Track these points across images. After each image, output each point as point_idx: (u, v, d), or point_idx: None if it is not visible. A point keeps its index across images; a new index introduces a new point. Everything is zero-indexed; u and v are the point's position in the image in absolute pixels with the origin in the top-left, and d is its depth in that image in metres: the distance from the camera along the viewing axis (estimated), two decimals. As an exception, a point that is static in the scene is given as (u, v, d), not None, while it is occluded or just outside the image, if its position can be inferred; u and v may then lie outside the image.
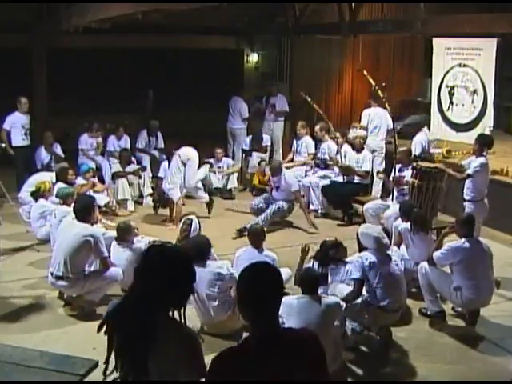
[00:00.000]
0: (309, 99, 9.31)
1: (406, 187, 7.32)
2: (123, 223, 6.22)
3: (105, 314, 2.49)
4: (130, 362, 2.34)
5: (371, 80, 8.41)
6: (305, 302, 4.42)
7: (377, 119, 9.54)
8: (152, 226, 7.70)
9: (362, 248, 5.22)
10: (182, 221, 6.36)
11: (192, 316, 5.04)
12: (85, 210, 5.65)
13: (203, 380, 2.30)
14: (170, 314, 2.39)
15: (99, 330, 2.41)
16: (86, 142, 10.07)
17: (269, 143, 10.86)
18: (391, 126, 8.58)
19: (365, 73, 8.52)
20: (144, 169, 9.64)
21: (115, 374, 2.41)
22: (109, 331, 2.38)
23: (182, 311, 2.41)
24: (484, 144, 6.76)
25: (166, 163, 9.70)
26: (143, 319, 2.31)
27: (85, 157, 9.96)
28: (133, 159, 9.91)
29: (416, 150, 7.99)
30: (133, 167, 9.54)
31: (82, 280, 5.47)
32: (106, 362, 2.39)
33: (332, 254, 5.35)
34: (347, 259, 5.47)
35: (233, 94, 11.52)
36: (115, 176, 9.21)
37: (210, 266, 5.11)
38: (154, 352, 2.29)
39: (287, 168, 9.67)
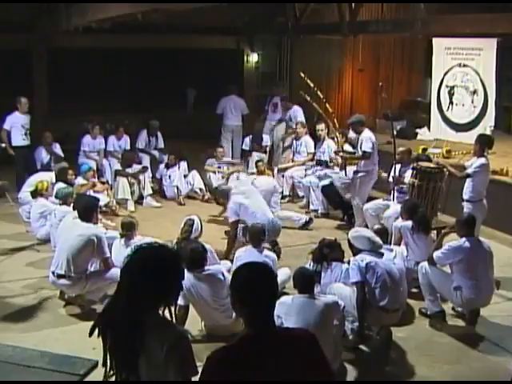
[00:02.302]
0: (308, 98, 9.32)
1: (405, 186, 7.32)
2: (126, 219, 6.25)
3: (98, 316, 2.49)
4: (121, 361, 2.35)
5: (310, 82, 8.99)
6: (303, 302, 4.42)
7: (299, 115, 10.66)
8: (152, 227, 7.69)
9: (355, 252, 5.20)
10: (184, 221, 6.36)
11: (193, 317, 5.06)
12: (89, 210, 5.68)
13: (197, 380, 2.30)
14: (160, 312, 2.40)
15: (91, 332, 2.40)
16: (89, 144, 10.09)
17: (269, 143, 10.87)
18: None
19: (302, 74, 9.06)
20: (145, 170, 9.65)
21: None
22: (102, 333, 2.39)
23: (171, 309, 2.42)
24: (484, 144, 6.75)
25: (162, 166, 9.74)
26: (132, 318, 2.32)
27: (85, 157, 9.98)
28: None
29: (365, 146, 7.68)
30: (135, 167, 9.54)
31: (83, 279, 5.49)
32: (104, 363, 2.39)
33: (326, 252, 5.34)
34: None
35: (226, 94, 11.52)
36: (117, 174, 9.23)
37: (208, 272, 5.06)
38: (143, 351, 2.30)
39: (286, 168, 9.71)
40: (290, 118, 10.64)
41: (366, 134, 7.83)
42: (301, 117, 10.52)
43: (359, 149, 7.79)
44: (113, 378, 2.41)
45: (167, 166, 9.66)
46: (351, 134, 9.04)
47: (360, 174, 7.80)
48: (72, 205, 6.58)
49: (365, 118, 8.33)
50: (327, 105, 9.04)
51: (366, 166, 7.76)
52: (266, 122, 11.42)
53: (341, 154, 8.40)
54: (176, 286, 2.44)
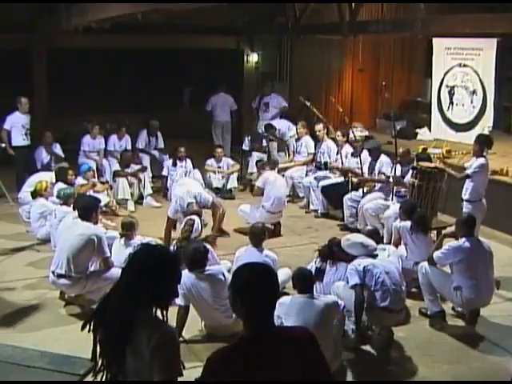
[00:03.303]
0: (308, 103, 9.33)
1: (403, 190, 7.34)
2: (126, 219, 6.24)
3: (91, 313, 2.51)
4: (109, 358, 2.36)
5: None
6: (302, 302, 4.42)
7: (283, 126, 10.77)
8: (152, 227, 7.69)
9: (350, 259, 5.19)
10: (184, 221, 6.35)
11: (193, 317, 5.06)
12: (89, 210, 5.69)
13: (194, 380, 2.30)
14: (153, 311, 2.41)
15: (83, 328, 2.42)
16: (89, 144, 10.09)
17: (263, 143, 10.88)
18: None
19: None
20: (145, 169, 9.65)
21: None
22: (93, 329, 2.41)
23: (163, 310, 2.42)
24: (483, 144, 6.76)
25: (168, 162, 9.75)
26: (123, 317, 2.33)
27: (85, 157, 9.99)
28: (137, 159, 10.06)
29: (386, 171, 7.83)
30: (133, 168, 9.54)
31: (83, 279, 5.49)
32: (93, 359, 2.41)
33: (335, 250, 5.34)
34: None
35: (215, 92, 11.95)
36: (116, 175, 9.23)
37: (208, 271, 5.07)
38: (131, 349, 2.31)
39: (286, 168, 9.69)
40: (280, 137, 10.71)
41: (385, 159, 7.97)
42: (288, 130, 10.56)
43: (376, 172, 7.93)
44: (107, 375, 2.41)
45: (174, 163, 9.64)
46: (351, 135, 9.04)
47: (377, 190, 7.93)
48: (72, 205, 6.58)
49: (381, 143, 8.45)
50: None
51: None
52: (259, 121, 11.49)
53: (362, 177, 8.19)
54: (172, 287, 2.45)
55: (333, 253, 5.35)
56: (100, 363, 2.39)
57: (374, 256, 5.14)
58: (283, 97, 12.06)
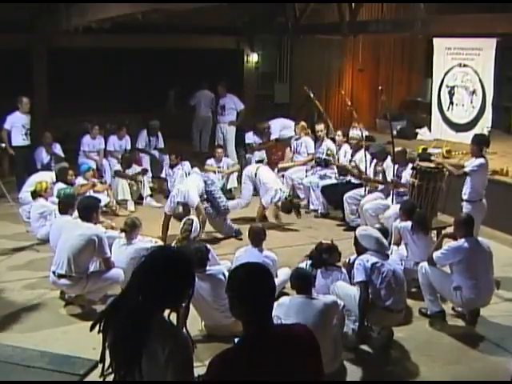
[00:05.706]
0: (312, 94, 9.34)
1: (402, 189, 7.34)
2: (130, 219, 6.20)
3: (100, 312, 2.49)
4: (121, 359, 2.34)
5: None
6: (302, 302, 4.42)
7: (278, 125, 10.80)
8: (152, 227, 7.69)
9: (360, 250, 5.20)
10: (183, 221, 6.36)
11: (193, 317, 5.05)
12: (90, 210, 5.68)
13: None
14: (166, 316, 2.40)
15: (92, 328, 2.41)
16: (89, 144, 10.09)
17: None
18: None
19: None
20: (145, 172, 9.63)
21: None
22: (103, 329, 2.39)
23: (178, 313, 2.42)
24: (481, 143, 6.76)
25: (167, 163, 9.74)
26: (137, 319, 2.31)
27: (85, 157, 9.99)
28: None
29: (388, 175, 7.79)
30: (135, 168, 9.52)
31: (84, 280, 5.48)
32: (101, 360, 2.39)
33: (325, 257, 5.33)
34: (345, 259, 5.51)
35: (198, 88, 12.22)
36: (116, 174, 9.22)
37: (209, 271, 5.08)
38: (145, 353, 2.30)
39: (286, 168, 9.69)
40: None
41: (390, 163, 7.92)
42: (280, 131, 10.59)
43: (380, 174, 7.93)
44: (111, 375, 2.41)
45: (171, 166, 9.65)
46: (351, 134, 9.05)
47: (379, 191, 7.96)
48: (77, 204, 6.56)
49: (385, 147, 8.41)
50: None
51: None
52: (217, 125, 11.55)
53: (364, 176, 8.20)
54: (187, 290, 2.46)
55: (324, 260, 5.33)
56: (108, 364, 2.37)
57: (386, 256, 5.13)
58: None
